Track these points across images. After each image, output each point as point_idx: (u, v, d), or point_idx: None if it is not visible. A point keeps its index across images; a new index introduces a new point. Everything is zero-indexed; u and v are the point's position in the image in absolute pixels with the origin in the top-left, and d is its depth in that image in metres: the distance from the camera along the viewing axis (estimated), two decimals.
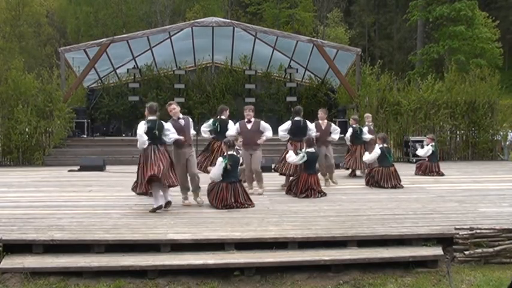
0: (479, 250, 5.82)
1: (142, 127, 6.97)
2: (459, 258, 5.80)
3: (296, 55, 18.12)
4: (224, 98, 18.76)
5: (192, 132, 7.82)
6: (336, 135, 9.89)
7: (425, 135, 14.14)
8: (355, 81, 16.29)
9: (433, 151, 11.50)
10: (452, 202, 7.81)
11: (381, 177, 9.46)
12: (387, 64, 36.99)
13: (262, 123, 8.77)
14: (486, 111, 15.57)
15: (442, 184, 9.99)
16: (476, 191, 9.03)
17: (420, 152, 11.81)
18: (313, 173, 8.45)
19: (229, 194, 7.31)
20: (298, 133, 8.98)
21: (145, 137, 6.92)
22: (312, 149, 8.49)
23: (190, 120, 7.86)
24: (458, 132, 15.92)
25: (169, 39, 17.43)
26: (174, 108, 7.64)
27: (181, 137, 7.37)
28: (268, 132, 8.70)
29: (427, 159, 11.58)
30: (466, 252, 5.81)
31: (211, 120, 9.44)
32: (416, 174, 11.48)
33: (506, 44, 36.63)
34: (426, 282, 5.44)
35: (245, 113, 8.70)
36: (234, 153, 7.63)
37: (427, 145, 11.67)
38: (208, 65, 19.78)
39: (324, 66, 17.57)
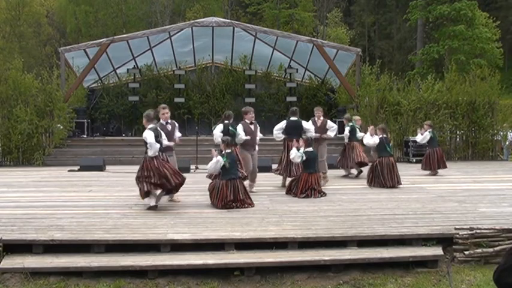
0: (479, 250, 5.82)
1: (151, 134, 7.14)
2: (459, 258, 5.80)
3: (296, 55, 18.12)
4: (224, 98, 18.78)
5: (178, 134, 8.24)
6: (332, 132, 10.06)
7: None
8: (355, 81, 16.29)
9: (431, 137, 11.51)
10: (452, 202, 7.81)
11: (382, 168, 9.46)
12: (387, 64, 37.01)
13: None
14: (486, 111, 15.57)
15: (442, 184, 10.00)
16: (476, 191, 9.03)
17: (418, 138, 11.79)
18: (313, 172, 8.46)
19: (229, 191, 7.32)
20: (292, 132, 9.15)
21: (158, 145, 7.18)
22: (310, 149, 8.53)
23: (176, 124, 8.32)
24: (458, 132, 15.92)
25: (169, 39, 17.43)
26: (168, 112, 8.11)
27: (171, 143, 7.89)
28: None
29: (427, 147, 11.59)
30: (466, 252, 5.81)
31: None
32: (425, 168, 11.47)
33: (506, 44, 36.64)
34: (426, 282, 5.44)
35: (249, 115, 8.96)
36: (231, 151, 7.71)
37: (425, 131, 11.63)
38: (208, 65, 19.78)
39: (324, 66, 17.57)
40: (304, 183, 8.34)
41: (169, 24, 27.95)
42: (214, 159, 7.46)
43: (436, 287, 5.39)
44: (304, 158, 8.36)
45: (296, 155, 8.40)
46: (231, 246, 5.70)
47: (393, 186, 9.38)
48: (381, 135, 9.83)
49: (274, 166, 10.39)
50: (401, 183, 9.53)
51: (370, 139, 9.95)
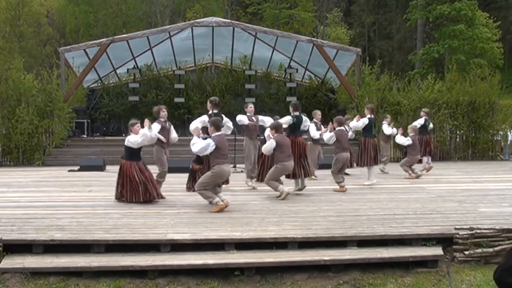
0: (479, 250, 5.82)
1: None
2: (459, 258, 5.80)
3: (296, 55, 18.12)
4: (224, 98, 18.77)
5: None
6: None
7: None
8: (355, 81, 16.29)
9: (423, 124, 11.80)
10: (452, 202, 7.81)
11: (367, 148, 9.82)
12: (387, 64, 36.95)
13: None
14: (487, 111, 15.56)
15: (442, 184, 10.00)
16: (476, 191, 9.03)
17: (414, 123, 12.08)
18: (299, 134, 8.70)
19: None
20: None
21: None
22: (297, 113, 8.84)
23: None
24: (458, 132, 15.91)
25: (169, 39, 17.43)
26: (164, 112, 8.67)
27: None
28: None
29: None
30: (466, 252, 5.81)
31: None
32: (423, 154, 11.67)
33: (506, 44, 36.59)
34: (426, 282, 5.44)
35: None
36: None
37: (421, 118, 12.06)
38: (208, 65, 19.78)
39: (324, 66, 17.58)
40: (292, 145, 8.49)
41: (169, 24, 27.94)
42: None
43: (436, 287, 5.39)
44: (295, 120, 8.69)
45: (287, 118, 8.69)
46: (231, 246, 5.70)
47: (374, 160, 9.91)
48: (369, 116, 10.12)
49: None
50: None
51: (358, 122, 10.12)
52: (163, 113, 8.53)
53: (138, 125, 7.77)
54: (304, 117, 9.38)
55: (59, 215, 6.78)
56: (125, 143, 7.69)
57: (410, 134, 10.80)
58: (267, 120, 9.28)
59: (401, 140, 10.89)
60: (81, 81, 16.51)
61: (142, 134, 7.56)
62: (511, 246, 1.61)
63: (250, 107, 9.54)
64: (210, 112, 8.50)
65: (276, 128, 8.32)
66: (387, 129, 11.82)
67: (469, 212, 7.01)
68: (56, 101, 14.57)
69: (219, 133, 7.22)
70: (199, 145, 7.03)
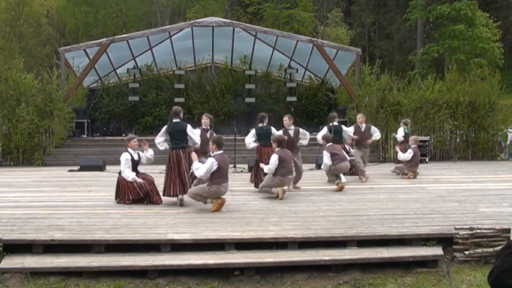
0: (479, 250, 5.82)
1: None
2: (459, 258, 5.80)
3: (296, 55, 18.12)
4: (224, 98, 18.78)
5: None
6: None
7: (426, 135, 14.25)
8: (355, 81, 16.28)
9: (405, 133, 11.82)
10: (452, 202, 7.81)
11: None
12: (387, 64, 36.98)
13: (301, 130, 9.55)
14: (487, 111, 15.54)
15: (442, 184, 10.00)
16: (476, 191, 9.03)
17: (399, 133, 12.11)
18: (269, 144, 8.83)
19: (173, 160, 7.61)
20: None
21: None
22: (262, 124, 9.18)
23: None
24: (458, 132, 15.89)
25: (169, 39, 17.43)
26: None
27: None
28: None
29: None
30: (466, 252, 5.81)
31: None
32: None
33: (506, 44, 36.58)
34: (426, 282, 5.44)
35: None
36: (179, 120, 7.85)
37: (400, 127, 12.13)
38: (208, 65, 19.78)
39: (324, 66, 17.58)
40: (259, 154, 8.96)
41: (169, 24, 27.93)
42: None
43: (436, 287, 5.39)
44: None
45: (253, 131, 9.19)
46: (231, 246, 5.70)
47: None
48: (331, 124, 10.30)
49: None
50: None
51: (320, 133, 10.10)
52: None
53: (135, 140, 7.74)
54: (273, 129, 9.30)
55: (59, 215, 6.79)
56: (121, 158, 7.76)
57: (413, 146, 10.72)
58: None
59: (403, 157, 10.82)
60: (81, 81, 16.50)
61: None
62: (504, 246, 1.54)
63: (285, 120, 9.44)
64: (169, 122, 7.92)
65: (279, 141, 8.29)
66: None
67: (469, 212, 7.01)
68: (56, 101, 14.55)
69: (221, 152, 7.18)
70: (203, 169, 6.99)
